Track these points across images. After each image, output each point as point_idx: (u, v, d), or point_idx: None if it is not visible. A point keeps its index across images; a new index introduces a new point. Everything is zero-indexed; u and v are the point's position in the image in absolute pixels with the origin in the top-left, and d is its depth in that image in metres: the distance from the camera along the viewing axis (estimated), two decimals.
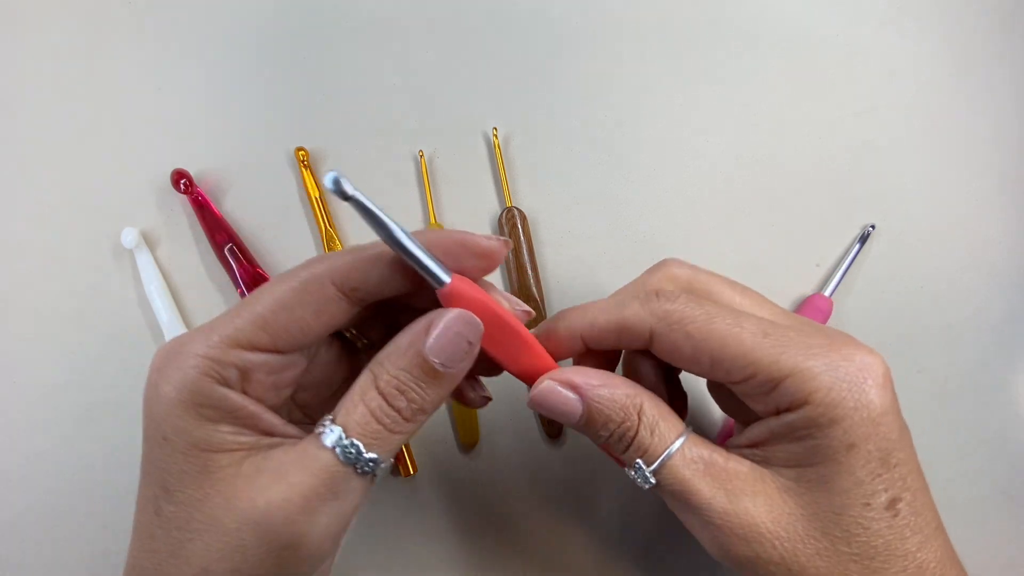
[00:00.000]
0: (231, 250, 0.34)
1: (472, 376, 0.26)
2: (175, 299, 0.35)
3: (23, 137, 0.37)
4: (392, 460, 0.23)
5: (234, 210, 0.37)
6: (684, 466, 0.22)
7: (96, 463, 0.34)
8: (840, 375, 0.21)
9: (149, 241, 0.36)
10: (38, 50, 0.38)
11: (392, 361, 0.21)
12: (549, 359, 0.24)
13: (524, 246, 0.35)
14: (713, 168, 0.38)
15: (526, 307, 0.24)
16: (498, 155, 0.37)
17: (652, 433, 0.23)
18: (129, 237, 0.35)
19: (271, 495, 0.20)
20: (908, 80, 0.39)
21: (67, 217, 0.36)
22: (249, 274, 0.34)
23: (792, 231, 0.37)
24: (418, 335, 0.21)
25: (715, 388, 0.27)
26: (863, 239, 0.36)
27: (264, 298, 0.22)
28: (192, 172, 0.35)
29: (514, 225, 0.36)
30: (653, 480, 0.23)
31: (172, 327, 0.34)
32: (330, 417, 0.21)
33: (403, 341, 0.22)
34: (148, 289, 0.35)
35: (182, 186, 0.35)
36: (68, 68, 0.38)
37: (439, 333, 0.21)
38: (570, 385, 0.23)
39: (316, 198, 0.36)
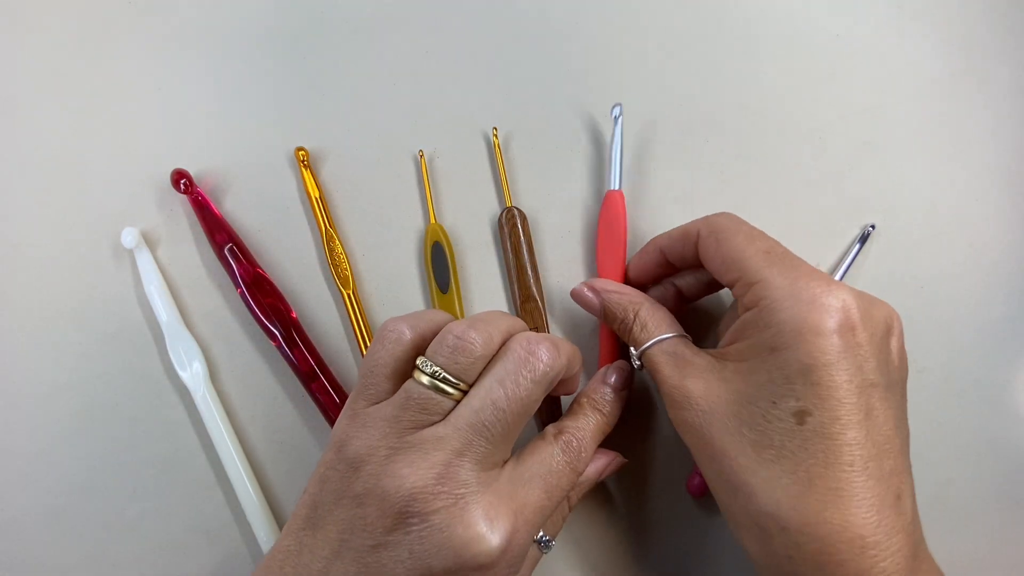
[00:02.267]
0: (231, 250, 0.34)
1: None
2: (175, 299, 0.35)
3: (23, 137, 0.37)
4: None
5: (234, 210, 0.37)
6: (658, 354, 0.29)
7: (96, 463, 0.34)
8: (794, 293, 0.25)
9: (149, 241, 0.36)
10: (38, 50, 0.38)
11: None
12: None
13: (524, 246, 0.35)
14: (712, 168, 0.38)
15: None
16: (498, 155, 0.37)
17: (642, 329, 0.30)
18: (129, 237, 0.35)
19: None
20: (908, 80, 0.39)
21: (67, 217, 0.36)
22: (249, 274, 0.34)
23: (792, 231, 0.37)
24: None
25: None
26: (863, 239, 0.36)
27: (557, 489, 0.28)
28: (192, 172, 0.35)
29: (514, 225, 0.36)
30: (638, 363, 0.30)
31: (172, 327, 0.34)
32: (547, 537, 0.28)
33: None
34: (148, 289, 0.35)
35: (182, 186, 0.35)
36: (68, 68, 0.38)
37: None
38: (592, 288, 0.32)
39: (316, 198, 0.36)
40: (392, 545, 0.24)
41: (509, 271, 0.36)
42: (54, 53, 0.38)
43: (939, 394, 0.36)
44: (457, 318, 0.35)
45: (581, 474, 0.28)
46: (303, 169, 0.36)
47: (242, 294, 0.34)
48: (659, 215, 0.37)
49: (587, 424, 0.30)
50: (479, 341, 0.26)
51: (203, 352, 0.35)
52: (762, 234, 0.28)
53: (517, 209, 0.36)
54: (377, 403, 0.26)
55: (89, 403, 0.35)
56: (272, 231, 0.37)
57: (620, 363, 0.33)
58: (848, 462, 0.23)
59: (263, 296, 0.34)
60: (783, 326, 0.25)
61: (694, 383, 0.27)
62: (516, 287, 0.35)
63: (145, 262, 0.35)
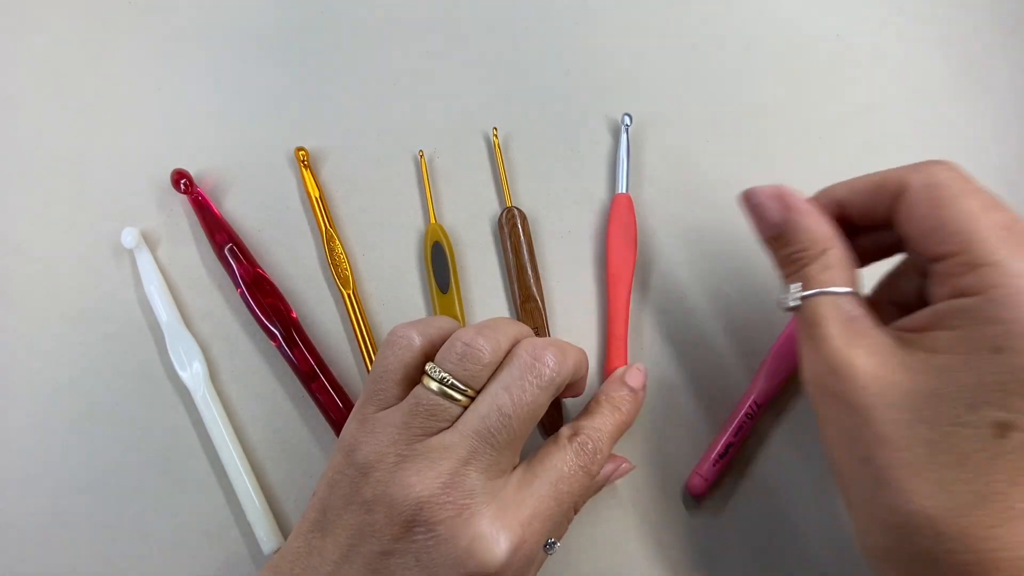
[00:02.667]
0: (231, 250, 0.34)
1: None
2: (175, 299, 0.35)
3: (23, 137, 0.37)
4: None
5: (234, 210, 0.37)
6: (829, 307, 0.24)
7: (96, 463, 0.34)
8: None
9: (149, 241, 0.36)
10: (38, 50, 0.38)
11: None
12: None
13: (524, 246, 0.35)
14: (713, 168, 0.38)
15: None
16: (498, 155, 0.37)
17: (823, 270, 0.25)
18: (129, 237, 0.35)
19: None
20: (908, 80, 0.39)
21: (67, 217, 0.36)
22: (249, 274, 0.34)
23: None
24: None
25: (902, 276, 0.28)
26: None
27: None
28: (192, 172, 0.35)
29: (514, 225, 0.36)
30: (798, 302, 0.25)
31: (172, 327, 0.34)
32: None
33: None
34: (148, 289, 0.35)
35: (182, 186, 0.35)
36: (68, 68, 0.38)
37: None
38: (780, 199, 0.27)
39: (316, 198, 0.36)
40: (400, 552, 0.24)
41: (509, 271, 0.36)
42: (54, 53, 0.38)
43: None
44: (459, 319, 0.35)
45: (596, 476, 0.28)
46: (303, 169, 0.36)
47: (242, 294, 0.34)
48: (659, 215, 0.37)
49: (604, 424, 0.29)
50: (487, 348, 0.26)
51: (203, 352, 0.35)
52: (997, 201, 0.23)
53: (517, 209, 0.36)
54: (386, 408, 0.26)
55: (89, 403, 0.35)
56: (272, 231, 0.37)
57: (639, 365, 0.32)
58: None
59: (263, 296, 0.34)
60: (1017, 326, 0.20)
61: (865, 358, 0.23)
62: (516, 287, 0.35)
63: (145, 262, 0.35)
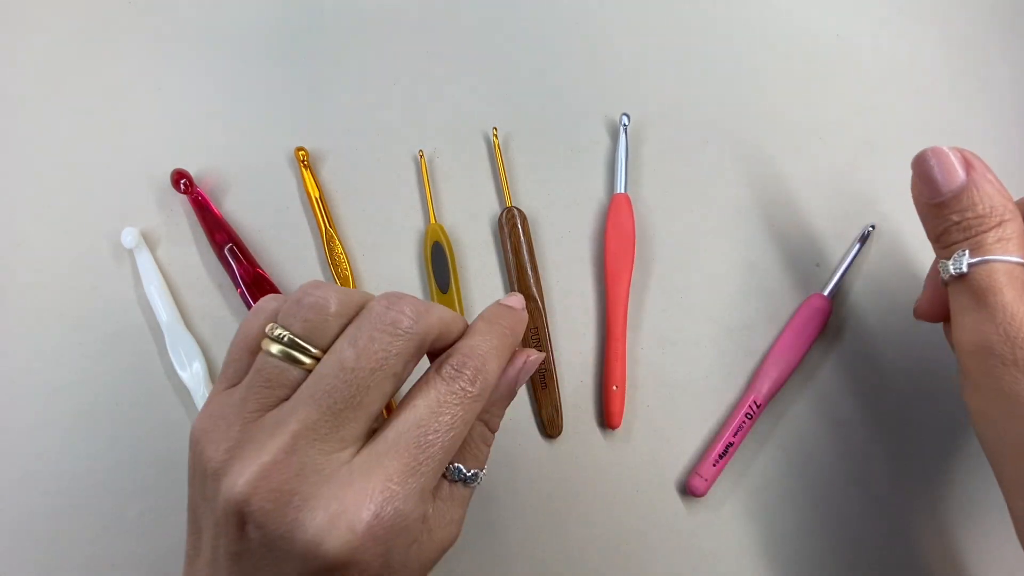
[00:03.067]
0: (231, 250, 0.34)
1: None
2: (175, 299, 0.35)
3: (23, 137, 0.37)
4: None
5: (234, 210, 0.37)
6: (1005, 273, 0.24)
7: (96, 463, 0.34)
8: None
9: (149, 241, 0.36)
10: (38, 50, 0.38)
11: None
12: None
13: (524, 246, 0.35)
14: (713, 168, 0.38)
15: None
16: (498, 155, 0.37)
17: (999, 241, 0.24)
18: (129, 237, 0.35)
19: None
20: (908, 80, 0.39)
21: (67, 217, 0.36)
22: (249, 274, 0.34)
23: (792, 231, 0.37)
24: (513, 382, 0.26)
25: None
26: (863, 239, 0.36)
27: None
28: (192, 172, 0.35)
29: (514, 225, 0.36)
30: (965, 268, 0.24)
31: (172, 327, 0.34)
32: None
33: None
34: (148, 289, 0.35)
35: (182, 186, 0.35)
36: (68, 68, 0.38)
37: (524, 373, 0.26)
38: (966, 161, 0.26)
39: (316, 198, 0.36)
40: (247, 554, 0.20)
41: (509, 271, 0.36)
42: (54, 53, 0.38)
43: (940, 393, 0.36)
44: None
45: (483, 396, 0.23)
46: (303, 169, 0.36)
47: (242, 294, 0.34)
48: (658, 215, 0.37)
49: (482, 340, 0.24)
50: (334, 299, 0.22)
51: (203, 352, 0.35)
52: None
53: (517, 209, 0.36)
54: (235, 385, 0.23)
55: (89, 403, 0.35)
56: (272, 231, 0.37)
57: (514, 292, 0.28)
58: None
59: (263, 296, 0.34)
60: None
61: None
62: (516, 287, 0.35)
63: (145, 262, 0.35)
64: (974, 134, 0.38)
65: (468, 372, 0.23)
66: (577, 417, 0.35)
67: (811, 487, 0.34)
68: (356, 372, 0.21)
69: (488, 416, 0.26)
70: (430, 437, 0.21)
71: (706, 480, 0.33)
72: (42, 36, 0.38)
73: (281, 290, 0.35)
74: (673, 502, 0.34)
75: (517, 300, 0.27)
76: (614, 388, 0.34)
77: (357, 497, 0.20)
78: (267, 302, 0.24)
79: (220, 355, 0.35)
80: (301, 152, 0.36)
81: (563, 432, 0.35)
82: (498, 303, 0.26)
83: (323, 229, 0.36)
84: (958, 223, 0.25)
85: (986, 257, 0.24)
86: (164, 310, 0.34)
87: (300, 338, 0.22)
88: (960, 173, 0.25)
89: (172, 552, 0.34)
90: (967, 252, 0.24)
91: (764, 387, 0.34)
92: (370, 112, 0.38)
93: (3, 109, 0.37)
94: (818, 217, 0.37)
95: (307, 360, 0.22)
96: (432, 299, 0.35)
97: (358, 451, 0.21)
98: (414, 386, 0.23)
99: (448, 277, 0.35)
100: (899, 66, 0.39)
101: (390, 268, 0.36)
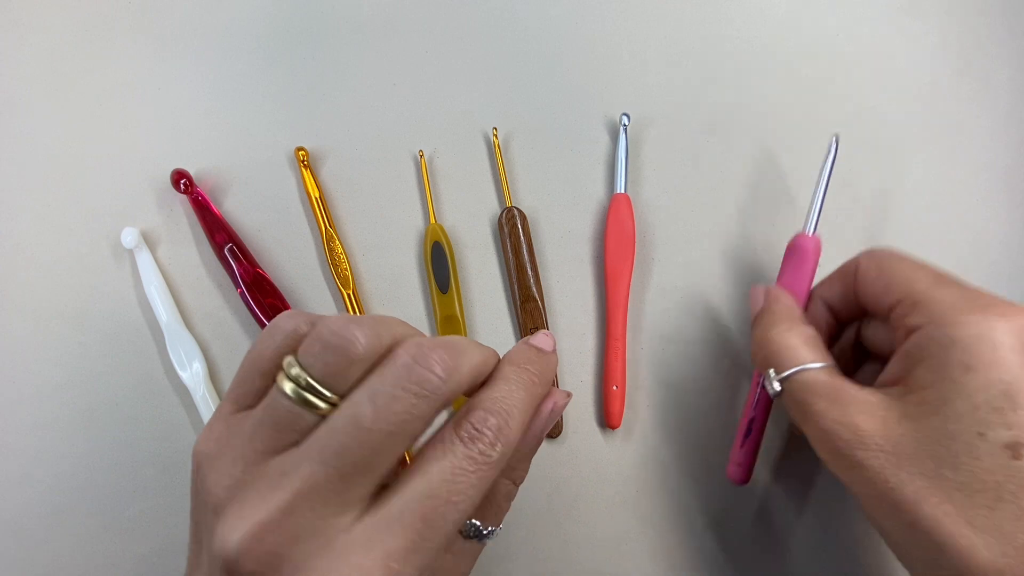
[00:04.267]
0: (231, 250, 0.34)
1: None
2: (175, 299, 0.35)
3: (23, 137, 0.37)
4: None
5: (234, 210, 0.37)
6: (812, 383, 0.25)
7: (96, 463, 0.34)
8: (973, 309, 0.23)
9: (149, 241, 0.36)
10: (38, 50, 0.38)
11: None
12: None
13: (524, 246, 0.35)
14: (714, 168, 0.38)
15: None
16: (498, 155, 0.37)
17: (795, 352, 0.27)
18: (129, 237, 0.35)
19: None
20: (908, 80, 0.39)
21: (67, 217, 0.36)
22: (249, 274, 0.34)
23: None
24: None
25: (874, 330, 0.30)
26: (833, 153, 0.33)
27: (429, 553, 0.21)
28: (192, 172, 0.35)
29: (514, 225, 0.36)
30: (778, 388, 0.27)
31: (172, 327, 0.34)
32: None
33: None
34: (148, 289, 0.35)
35: (182, 186, 0.35)
36: (68, 68, 0.38)
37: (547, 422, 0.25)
38: (765, 290, 0.30)
39: (316, 198, 0.36)
40: None
41: (509, 271, 0.36)
42: (54, 53, 0.38)
43: None
44: (459, 319, 0.35)
45: (505, 460, 0.21)
46: (303, 169, 0.36)
47: (242, 294, 0.34)
48: (658, 215, 0.37)
49: (508, 392, 0.22)
50: (361, 340, 0.20)
51: (203, 352, 0.35)
52: (929, 265, 0.26)
53: (517, 209, 0.36)
54: (245, 409, 0.22)
55: (89, 403, 0.35)
56: (272, 231, 0.37)
57: (545, 331, 0.26)
58: None
59: (263, 296, 0.34)
60: (971, 340, 0.21)
61: (865, 420, 0.23)
62: (516, 287, 0.35)
63: (145, 262, 0.35)
64: (974, 134, 0.38)
65: (489, 434, 0.20)
66: (577, 417, 0.35)
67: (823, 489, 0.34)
68: (372, 433, 0.19)
69: (513, 473, 0.25)
70: (440, 510, 0.20)
71: (740, 465, 0.32)
72: (42, 36, 0.38)
73: (281, 290, 0.35)
74: (673, 502, 0.34)
75: (547, 341, 0.25)
76: (614, 388, 0.34)
77: (352, 572, 0.18)
78: (284, 321, 0.22)
79: (220, 355, 0.35)
80: (301, 152, 0.36)
81: (563, 432, 0.35)
82: (527, 343, 0.24)
83: (323, 229, 0.36)
84: (762, 338, 0.28)
85: (791, 370, 0.26)
86: (164, 310, 0.34)
87: (318, 381, 0.20)
88: (759, 299, 0.30)
89: (172, 552, 0.34)
90: (772, 373, 0.27)
91: None
92: (370, 112, 0.38)
93: (3, 109, 0.37)
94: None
95: (322, 406, 0.20)
96: (432, 299, 0.35)
97: (361, 515, 0.20)
98: (428, 443, 0.21)
99: (448, 277, 0.35)
100: (899, 66, 0.39)
101: (390, 268, 0.36)
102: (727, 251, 0.37)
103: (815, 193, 0.32)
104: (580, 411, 0.35)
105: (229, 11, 0.39)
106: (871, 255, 0.28)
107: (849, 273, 0.28)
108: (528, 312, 0.35)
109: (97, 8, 0.38)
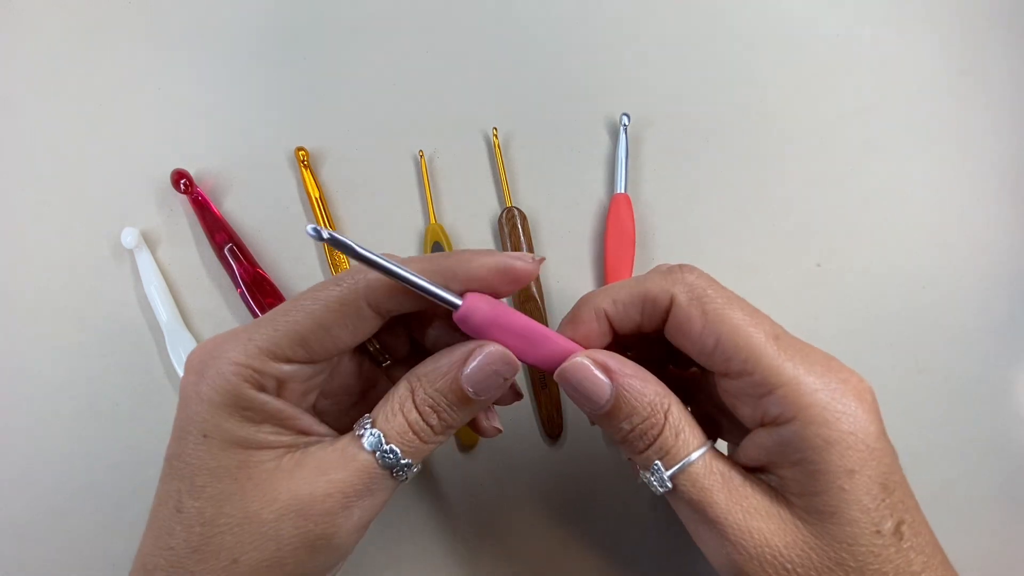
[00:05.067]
0: (231, 250, 0.34)
1: (490, 406, 0.27)
2: (175, 299, 0.35)
3: (23, 137, 0.37)
4: (420, 465, 0.23)
5: (234, 210, 0.37)
6: (704, 475, 0.22)
7: (96, 463, 0.34)
8: (836, 396, 0.21)
9: (149, 241, 0.36)
10: (38, 50, 0.38)
11: (430, 381, 0.23)
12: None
13: (524, 246, 0.35)
14: (714, 168, 0.38)
15: (533, 260, 0.24)
16: (498, 155, 0.37)
17: (677, 436, 0.22)
18: (129, 237, 0.35)
19: (314, 488, 0.21)
20: (908, 80, 0.39)
21: (67, 217, 0.36)
22: (249, 274, 0.34)
23: (792, 231, 0.37)
24: (456, 363, 0.22)
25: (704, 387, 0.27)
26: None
27: (300, 315, 0.22)
28: (192, 172, 0.35)
29: (514, 225, 0.36)
30: (670, 485, 0.22)
31: (172, 327, 0.34)
32: (369, 420, 0.23)
33: (443, 365, 0.23)
34: (148, 289, 0.35)
35: (182, 186, 0.35)
36: (68, 68, 0.38)
37: (477, 366, 0.22)
38: (603, 367, 0.23)
39: (316, 198, 0.36)
40: None
41: None
42: (54, 53, 0.38)
43: (939, 394, 0.36)
44: None
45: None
46: (303, 169, 0.36)
47: (242, 294, 0.34)
48: (658, 215, 0.37)
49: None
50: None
51: None
52: (754, 308, 0.23)
53: (517, 209, 0.36)
54: None
55: (89, 403, 0.35)
56: (272, 231, 0.37)
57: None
58: (934, 543, 0.22)
59: (263, 296, 0.34)
60: (847, 441, 0.20)
61: (771, 528, 0.21)
62: None
63: (145, 262, 0.35)
64: (974, 134, 0.38)
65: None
66: (577, 417, 0.35)
67: None
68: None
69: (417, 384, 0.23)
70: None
71: None
72: (42, 36, 0.38)
73: (281, 290, 0.35)
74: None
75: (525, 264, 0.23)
76: None
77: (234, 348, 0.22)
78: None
79: None
80: (301, 152, 0.36)
81: (563, 432, 0.35)
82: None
83: None
84: (632, 431, 0.23)
85: (680, 464, 0.22)
86: (164, 310, 0.34)
87: None
88: (604, 382, 0.23)
89: None
90: (660, 465, 0.23)
91: None
92: (370, 112, 0.38)
93: (3, 109, 0.37)
94: (818, 217, 0.37)
95: None
96: None
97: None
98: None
99: None
100: (899, 66, 0.39)
101: None
102: (727, 251, 0.37)
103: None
104: (580, 412, 0.35)
105: (229, 11, 0.39)
106: (688, 290, 0.23)
107: (656, 305, 0.24)
108: (528, 312, 0.35)
109: (97, 8, 0.38)
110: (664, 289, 0.23)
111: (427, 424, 0.23)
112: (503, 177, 0.37)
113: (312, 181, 0.36)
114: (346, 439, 0.23)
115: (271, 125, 0.38)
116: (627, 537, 0.34)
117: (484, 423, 0.26)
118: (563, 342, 0.24)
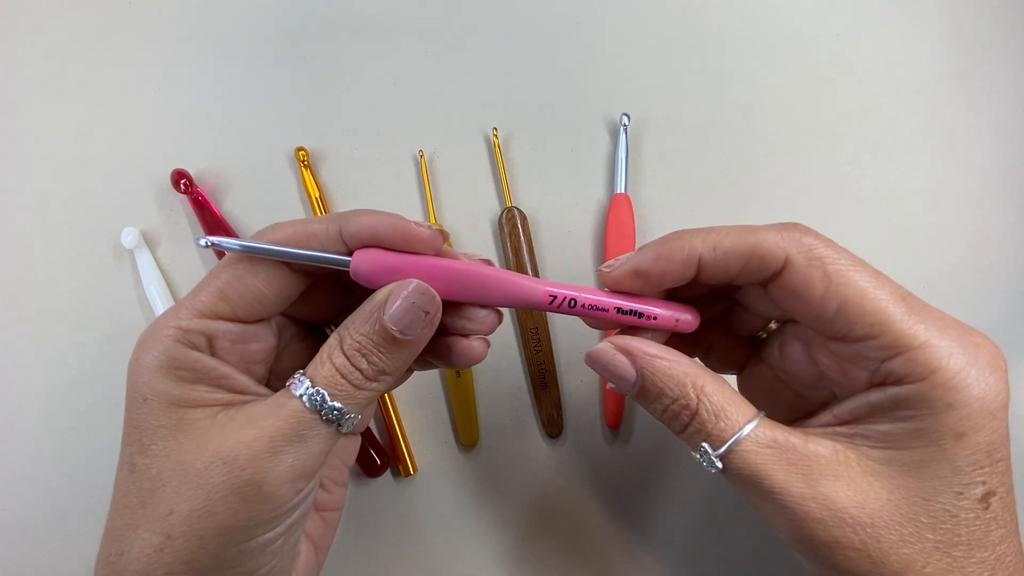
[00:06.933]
0: None
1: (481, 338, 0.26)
2: (175, 299, 0.35)
3: (23, 137, 0.37)
4: (359, 415, 0.23)
5: (234, 210, 0.37)
6: (755, 452, 0.21)
7: (96, 463, 0.34)
8: (970, 360, 0.20)
9: (149, 241, 0.36)
10: (38, 50, 0.38)
11: (356, 327, 0.23)
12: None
13: (524, 246, 0.35)
14: (714, 168, 0.38)
15: (437, 230, 0.24)
16: (498, 155, 0.37)
17: (717, 417, 0.22)
18: (129, 237, 0.35)
19: (240, 436, 0.22)
20: (908, 80, 0.39)
21: (67, 217, 0.36)
22: None
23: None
24: (378, 305, 0.23)
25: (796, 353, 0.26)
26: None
27: (222, 272, 0.24)
28: (192, 172, 0.35)
29: (514, 225, 0.36)
30: (720, 465, 0.22)
31: None
32: (301, 371, 0.23)
33: (366, 309, 0.23)
34: (148, 289, 0.35)
35: (182, 186, 0.35)
36: (68, 68, 0.38)
37: (398, 305, 0.23)
38: (626, 351, 0.23)
39: (316, 198, 0.36)
40: None
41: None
42: (54, 54, 0.38)
43: None
44: None
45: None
46: (303, 169, 0.36)
47: None
48: (658, 215, 0.37)
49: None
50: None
51: None
52: (876, 270, 0.22)
53: (517, 209, 0.36)
54: None
55: (89, 403, 0.35)
56: None
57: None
58: (1016, 520, 0.21)
59: None
60: (971, 407, 0.20)
61: (836, 488, 0.21)
62: None
63: (145, 262, 0.35)
64: (974, 134, 0.38)
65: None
66: (577, 417, 0.35)
67: None
68: None
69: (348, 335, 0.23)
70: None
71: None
72: (42, 37, 0.38)
73: None
74: (674, 502, 0.34)
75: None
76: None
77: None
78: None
79: None
80: (301, 152, 0.36)
81: (563, 432, 0.35)
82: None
83: None
84: (665, 412, 0.23)
85: (726, 445, 0.21)
86: (164, 310, 0.34)
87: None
88: (628, 368, 0.23)
89: None
90: (707, 447, 0.22)
91: None
92: (370, 112, 0.38)
93: (3, 109, 0.37)
94: (817, 217, 0.37)
95: None
96: None
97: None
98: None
99: None
100: (899, 66, 0.39)
101: None
102: None
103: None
104: (580, 412, 0.35)
105: (229, 11, 0.39)
106: (806, 251, 0.22)
107: (765, 263, 0.22)
108: (528, 313, 0.35)
109: (97, 9, 0.38)
110: (780, 247, 0.22)
111: (356, 368, 0.23)
112: (503, 177, 0.37)
113: (312, 181, 0.36)
114: (279, 393, 0.23)
115: (271, 125, 0.38)
116: (628, 537, 0.34)
117: (460, 344, 0.25)
118: (519, 280, 0.24)
